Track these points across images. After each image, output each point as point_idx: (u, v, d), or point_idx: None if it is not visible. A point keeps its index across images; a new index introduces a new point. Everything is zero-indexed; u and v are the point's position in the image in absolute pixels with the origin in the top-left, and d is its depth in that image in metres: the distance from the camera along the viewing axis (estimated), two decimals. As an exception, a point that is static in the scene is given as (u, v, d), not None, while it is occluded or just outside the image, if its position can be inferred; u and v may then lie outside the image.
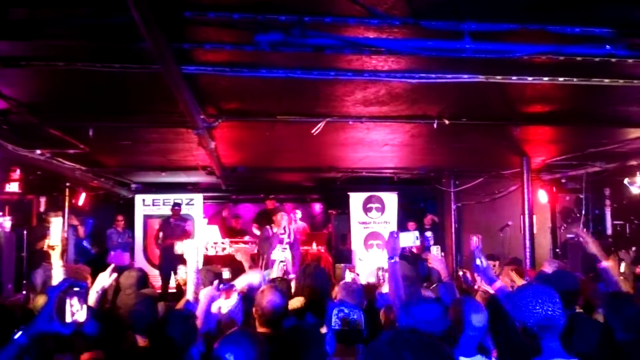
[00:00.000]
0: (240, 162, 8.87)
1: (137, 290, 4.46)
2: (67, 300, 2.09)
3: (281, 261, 6.03)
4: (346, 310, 3.33)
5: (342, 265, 10.28)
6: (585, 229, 8.57)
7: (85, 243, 10.63)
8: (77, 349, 3.21)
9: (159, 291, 9.40)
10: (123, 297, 4.70)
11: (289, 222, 8.63)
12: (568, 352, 2.40)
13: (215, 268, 5.44)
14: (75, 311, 2.11)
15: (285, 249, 7.94)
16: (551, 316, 2.40)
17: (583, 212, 8.74)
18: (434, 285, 5.34)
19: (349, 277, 6.94)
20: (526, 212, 7.90)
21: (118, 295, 4.91)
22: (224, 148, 7.27)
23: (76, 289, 2.14)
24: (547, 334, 2.38)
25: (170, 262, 9.30)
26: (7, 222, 7.08)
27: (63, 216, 9.36)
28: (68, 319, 2.09)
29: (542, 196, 9.34)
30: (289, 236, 8.16)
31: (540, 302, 2.41)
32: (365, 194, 11.34)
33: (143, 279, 4.68)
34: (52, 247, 3.73)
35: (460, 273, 8.12)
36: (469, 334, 2.82)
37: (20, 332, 2.01)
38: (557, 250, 9.18)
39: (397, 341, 1.48)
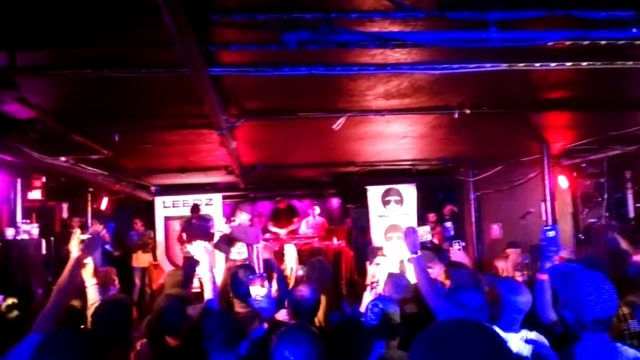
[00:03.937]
0: (259, 160, 8.90)
1: (180, 289, 4.52)
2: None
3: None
4: (380, 305, 3.34)
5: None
6: (607, 214, 8.55)
7: (108, 247, 10.75)
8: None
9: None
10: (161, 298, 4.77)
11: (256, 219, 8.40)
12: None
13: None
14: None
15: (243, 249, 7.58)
16: (609, 313, 2.28)
17: (605, 196, 8.69)
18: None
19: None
20: (547, 198, 7.86)
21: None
22: (244, 147, 7.30)
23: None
24: (600, 327, 2.28)
25: (193, 262, 9.36)
26: (34, 229, 7.17)
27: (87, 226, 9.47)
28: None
29: (563, 182, 9.27)
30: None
31: (602, 299, 2.26)
32: (383, 187, 11.31)
33: (187, 279, 4.74)
34: (83, 265, 3.68)
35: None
36: (512, 313, 2.86)
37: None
38: (580, 235, 9.12)
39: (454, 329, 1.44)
